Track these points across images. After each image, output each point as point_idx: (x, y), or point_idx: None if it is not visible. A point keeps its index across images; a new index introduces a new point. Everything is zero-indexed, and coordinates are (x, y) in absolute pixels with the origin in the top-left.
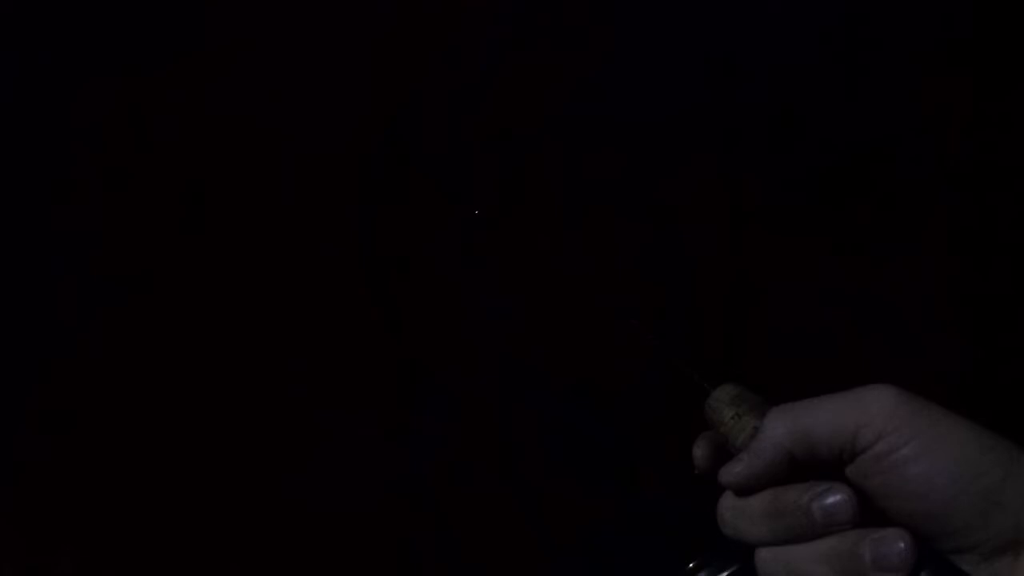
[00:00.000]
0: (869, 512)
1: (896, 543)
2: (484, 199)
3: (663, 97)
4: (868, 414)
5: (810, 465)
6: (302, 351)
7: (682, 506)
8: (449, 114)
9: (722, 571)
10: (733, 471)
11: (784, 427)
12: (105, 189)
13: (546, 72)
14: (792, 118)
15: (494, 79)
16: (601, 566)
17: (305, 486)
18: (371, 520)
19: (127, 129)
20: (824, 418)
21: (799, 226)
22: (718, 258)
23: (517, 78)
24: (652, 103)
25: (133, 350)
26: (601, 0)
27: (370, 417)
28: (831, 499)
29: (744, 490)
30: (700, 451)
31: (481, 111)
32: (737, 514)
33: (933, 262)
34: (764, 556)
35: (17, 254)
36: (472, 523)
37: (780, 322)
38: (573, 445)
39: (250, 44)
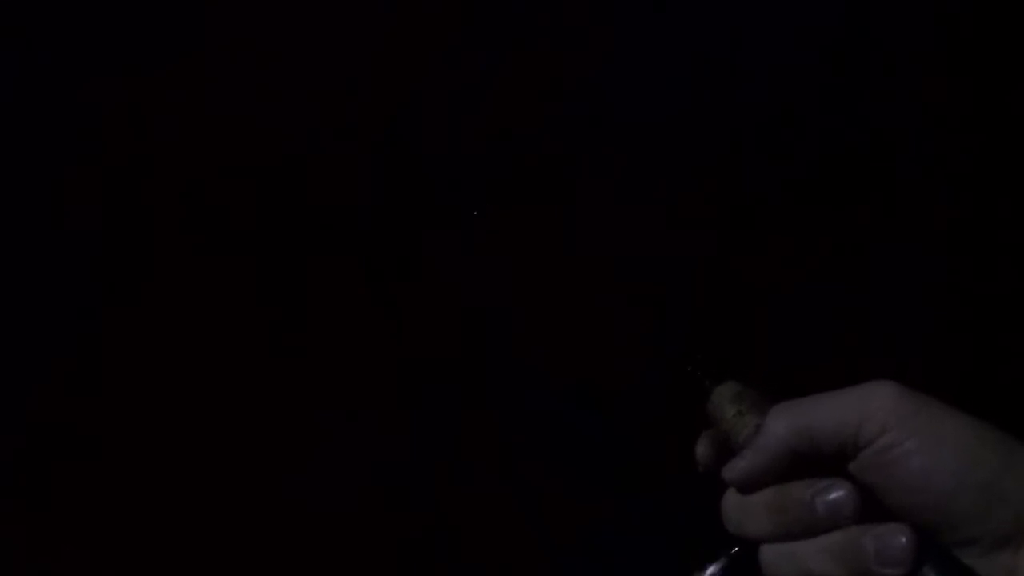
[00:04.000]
0: (871, 507)
1: (898, 537)
2: (484, 199)
3: (663, 97)
4: (870, 410)
5: (812, 461)
6: (302, 351)
7: (682, 506)
8: (449, 114)
9: (726, 567)
10: (736, 468)
11: (786, 424)
12: (105, 189)
13: (546, 72)
14: (792, 118)
15: (494, 79)
16: (601, 566)
17: (305, 486)
18: (371, 520)
19: (127, 129)
20: (826, 414)
21: (799, 226)
22: (718, 258)
23: (517, 78)
24: (652, 103)
25: (133, 350)
26: (601, 0)
27: (370, 417)
28: (834, 494)
29: (747, 487)
30: (703, 449)
31: (481, 111)
32: (740, 511)
33: (933, 262)
34: (768, 552)
35: (17, 254)
36: (472, 523)
37: (780, 322)
38: (573, 445)
39: (250, 44)
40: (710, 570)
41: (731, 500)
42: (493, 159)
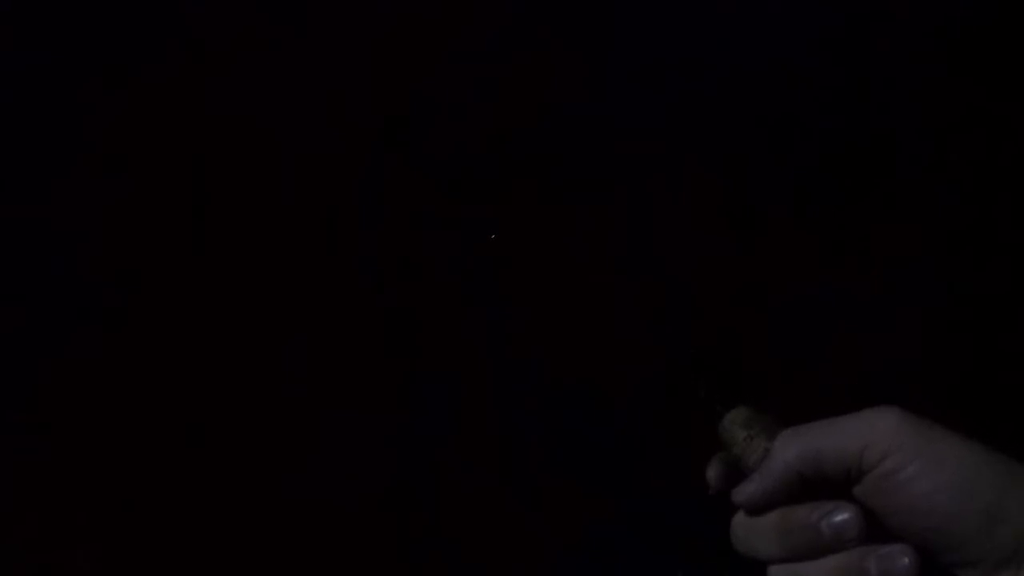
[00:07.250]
0: (875, 529)
1: (901, 558)
2: (484, 200)
3: (663, 97)
4: (873, 435)
5: (819, 485)
6: (302, 351)
7: (681, 506)
8: (449, 114)
9: None
10: (746, 491)
11: (794, 449)
12: (105, 189)
13: (546, 72)
14: (792, 118)
15: (494, 79)
16: (601, 566)
17: (305, 486)
18: (371, 520)
19: (127, 129)
20: (831, 439)
21: (800, 226)
22: (718, 258)
23: (517, 78)
24: (652, 103)
25: (136, 350)
26: (601, 0)
27: (370, 417)
28: (839, 517)
29: (756, 509)
30: (714, 472)
31: (481, 111)
32: (749, 532)
33: (933, 262)
34: (775, 572)
35: (17, 254)
36: (472, 523)
37: (780, 322)
38: (573, 445)
39: (250, 44)
40: None
41: (741, 522)
42: (493, 159)
